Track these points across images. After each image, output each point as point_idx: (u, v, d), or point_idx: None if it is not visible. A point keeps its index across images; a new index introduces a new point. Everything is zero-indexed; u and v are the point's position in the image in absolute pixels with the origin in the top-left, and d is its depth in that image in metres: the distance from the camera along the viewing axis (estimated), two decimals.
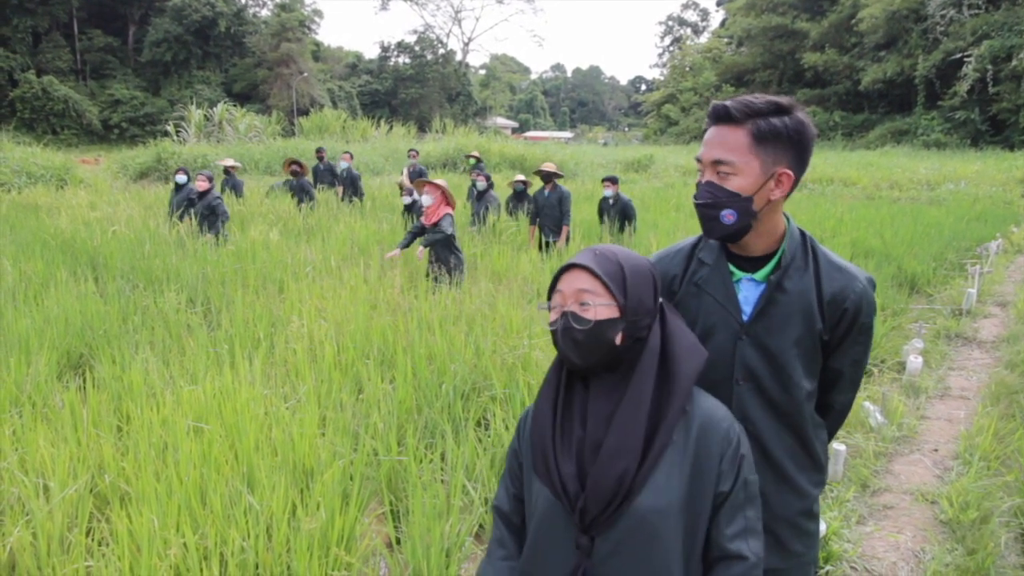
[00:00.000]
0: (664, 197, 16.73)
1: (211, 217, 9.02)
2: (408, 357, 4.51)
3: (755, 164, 1.63)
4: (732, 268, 1.77)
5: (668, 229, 10.90)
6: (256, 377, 4.27)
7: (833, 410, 1.85)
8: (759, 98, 1.64)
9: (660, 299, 1.57)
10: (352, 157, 14.17)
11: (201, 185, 9.09)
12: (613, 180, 9.50)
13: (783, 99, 1.65)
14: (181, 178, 9.79)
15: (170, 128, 33.96)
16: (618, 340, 1.48)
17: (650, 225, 11.22)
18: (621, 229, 9.33)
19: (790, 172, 1.66)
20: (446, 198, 7.16)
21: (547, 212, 9.03)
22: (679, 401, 1.45)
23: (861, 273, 1.74)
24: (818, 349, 1.73)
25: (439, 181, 7.20)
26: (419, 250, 7.13)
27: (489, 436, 3.83)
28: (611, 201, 9.46)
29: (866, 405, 5.05)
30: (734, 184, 1.65)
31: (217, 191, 9.37)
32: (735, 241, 1.74)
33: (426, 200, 7.08)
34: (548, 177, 9.10)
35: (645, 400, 1.45)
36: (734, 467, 1.45)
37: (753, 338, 1.71)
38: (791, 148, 1.64)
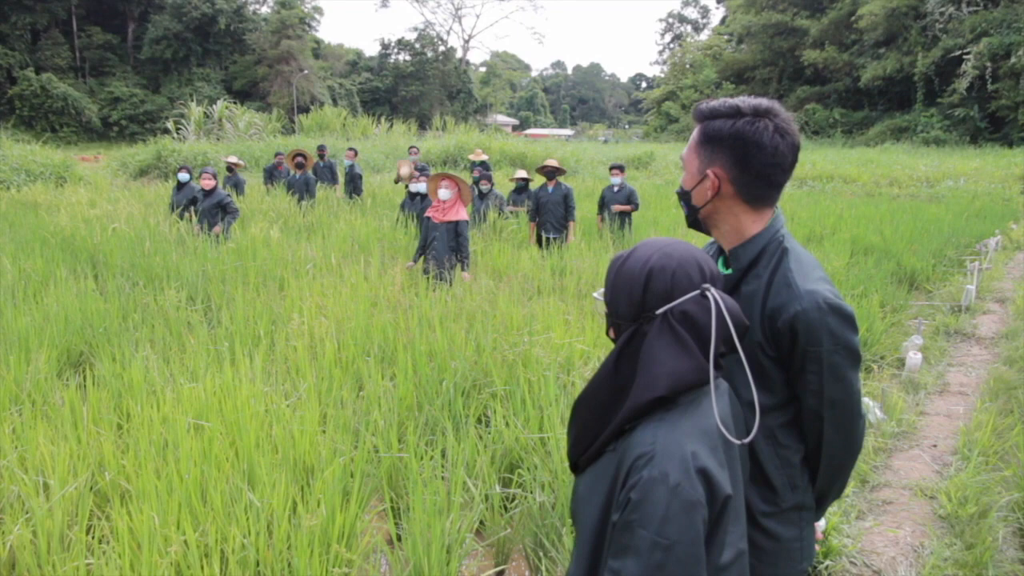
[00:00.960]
0: (665, 194, 16.72)
1: (220, 214, 8.96)
2: (409, 354, 4.51)
3: (695, 162, 1.75)
4: (720, 262, 1.84)
5: (668, 226, 10.90)
6: (257, 374, 4.27)
7: (819, 457, 1.75)
8: (737, 101, 1.69)
9: (661, 310, 1.42)
10: (356, 154, 14.18)
11: (207, 183, 9.03)
12: (620, 168, 9.55)
13: (752, 102, 1.68)
14: (183, 176, 9.77)
15: (170, 125, 34.05)
16: (611, 333, 1.54)
17: (650, 222, 11.23)
18: (624, 223, 9.34)
19: (723, 173, 1.70)
20: (461, 196, 7.08)
21: (549, 209, 9.01)
22: (618, 421, 1.43)
23: (813, 297, 1.63)
24: (765, 363, 1.70)
25: (456, 176, 7.15)
26: (466, 275, 6.94)
27: (490, 433, 3.83)
28: (616, 189, 9.48)
29: (865, 401, 5.05)
30: (683, 179, 1.82)
31: (223, 189, 9.32)
32: (703, 232, 1.85)
33: (444, 194, 6.94)
34: (552, 174, 9.08)
35: (593, 396, 1.50)
36: (620, 506, 1.36)
37: None
38: (727, 150, 1.69)
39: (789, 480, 1.75)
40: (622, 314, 1.48)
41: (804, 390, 1.68)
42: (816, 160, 26.67)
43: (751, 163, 1.68)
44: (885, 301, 7.32)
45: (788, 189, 18.95)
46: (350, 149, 14.28)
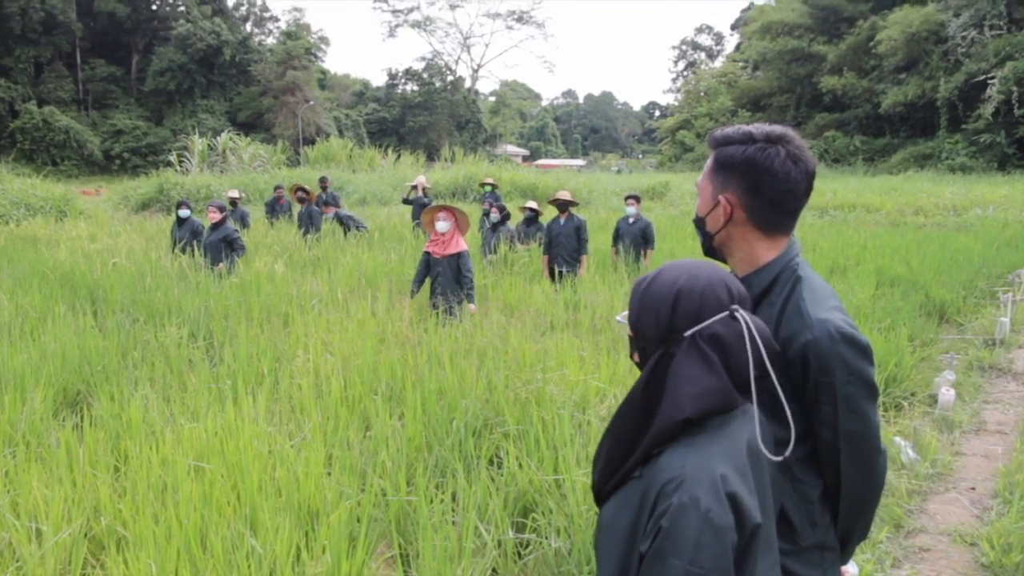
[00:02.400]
0: (681, 225, 16.71)
1: (226, 250, 8.95)
2: (418, 392, 4.48)
3: (709, 188, 1.80)
4: None
5: (685, 258, 10.87)
6: (260, 414, 4.25)
7: (839, 494, 1.74)
8: (750, 128, 1.74)
9: (689, 332, 1.42)
10: (336, 205, 13.22)
11: (213, 216, 9.03)
12: (636, 198, 9.56)
13: (765, 129, 1.73)
14: (184, 212, 9.79)
15: (173, 158, 34.43)
16: (635, 357, 1.56)
17: (666, 254, 11.20)
18: (638, 256, 9.31)
19: (735, 199, 1.74)
20: (459, 226, 7.09)
21: (561, 242, 8.99)
22: (644, 445, 1.43)
23: (825, 326, 1.64)
24: (773, 393, 1.70)
25: (452, 206, 7.17)
26: (472, 307, 6.93)
27: (502, 475, 3.78)
28: (631, 220, 9.46)
29: (897, 440, 4.97)
30: (698, 205, 1.87)
31: (231, 223, 9.33)
32: (719, 260, 1.86)
33: (441, 226, 6.97)
34: (564, 206, 9.09)
35: (620, 423, 1.50)
36: (649, 534, 1.34)
37: None
38: (740, 177, 1.73)
39: (808, 517, 1.73)
40: (649, 337, 1.49)
41: (819, 423, 1.68)
42: (837, 189, 26.64)
43: (763, 189, 1.71)
44: (914, 335, 7.25)
45: (809, 219, 18.93)
46: (328, 207, 13.11)
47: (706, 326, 1.41)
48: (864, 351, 1.65)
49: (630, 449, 1.46)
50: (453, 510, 3.52)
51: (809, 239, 13.66)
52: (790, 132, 1.74)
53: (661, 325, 1.46)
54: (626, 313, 1.59)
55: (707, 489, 1.31)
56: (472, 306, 6.93)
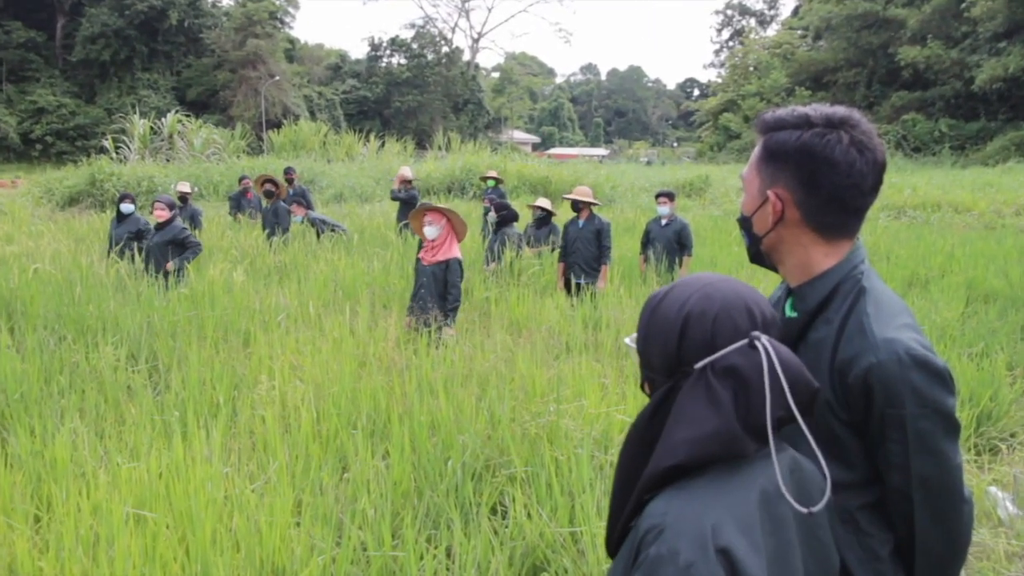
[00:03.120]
0: (724, 228, 16.75)
1: (174, 253, 8.98)
2: (406, 426, 4.50)
3: (756, 182, 1.82)
4: (788, 304, 1.88)
5: (729, 267, 10.90)
6: (214, 452, 4.27)
7: (913, 550, 1.73)
8: (807, 109, 1.75)
9: (700, 364, 1.42)
10: (306, 205, 13.54)
11: (161, 214, 9.04)
12: (670, 196, 9.54)
13: (825, 111, 1.74)
14: (127, 207, 9.85)
15: (108, 143, 34.55)
16: (645, 388, 1.58)
17: (707, 262, 11.24)
18: (672, 263, 9.32)
19: (786, 194, 1.76)
20: (454, 229, 7.13)
21: (579, 248, 8.99)
22: (636, 492, 1.45)
23: (893, 347, 1.63)
24: (837, 429, 1.71)
25: (443, 206, 7.20)
26: (450, 330, 6.98)
27: (507, 526, 3.79)
28: (664, 222, 9.46)
29: (992, 491, 4.96)
30: (743, 202, 1.89)
31: (180, 223, 9.35)
32: (767, 267, 1.91)
33: (430, 232, 7.02)
34: (581, 206, 9.11)
35: (622, 466, 1.54)
36: None
37: None
38: (793, 168, 1.74)
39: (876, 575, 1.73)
40: (655, 367, 1.51)
41: (886, 464, 1.68)
42: (918, 184, 26.64)
43: (820, 183, 1.71)
44: (1014, 362, 7.24)
45: (882, 220, 18.94)
46: (294, 203, 13.25)
47: (719, 357, 1.40)
48: (941, 378, 1.64)
49: (628, 496, 1.49)
50: (448, 568, 3.54)
51: (881, 245, 13.66)
52: (856, 115, 1.74)
53: (668, 354, 1.47)
54: (635, 336, 1.60)
55: (690, 541, 1.30)
56: (450, 330, 6.91)
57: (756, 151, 1.83)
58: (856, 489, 1.73)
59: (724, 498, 1.36)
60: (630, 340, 1.62)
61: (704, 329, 1.42)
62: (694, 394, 1.40)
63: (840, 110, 1.73)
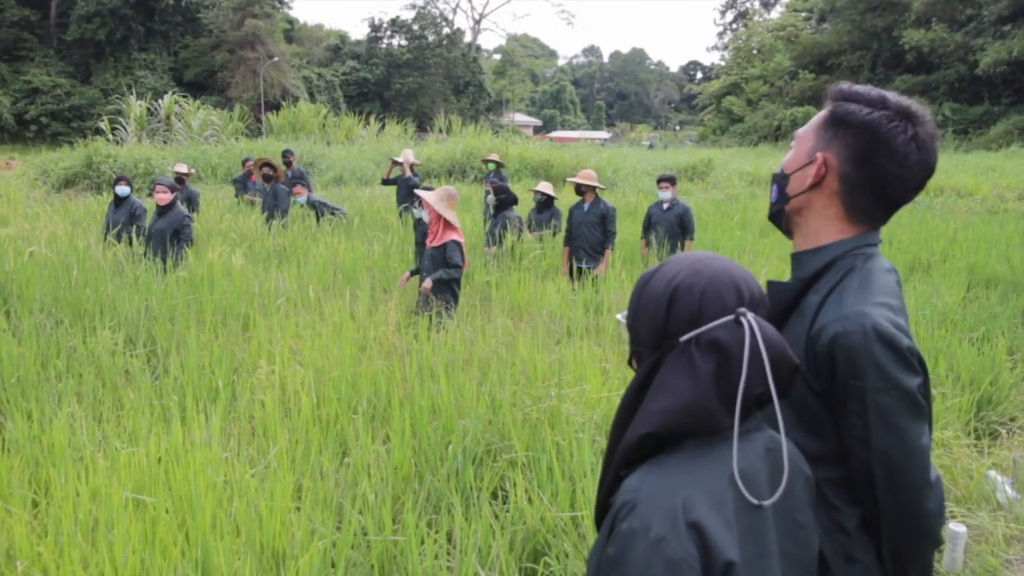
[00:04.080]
0: (727, 212, 16.74)
1: (172, 240, 8.94)
2: (406, 411, 4.51)
3: (810, 141, 1.85)
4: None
5: (731, 251, 10.89)
6: (214, 436, 4.27)
7: (884, 536, 1.74)
8: (886, 93, 1.77)
9: (685, 337, 1.45)
10: (308, 187, 13.55)
11: (163, 197, 8.96)
12: (671, 180, 9.54)
13: (903, 101, 1.77)
14: (123, 189, 9.77)
15: (104, 125, 34.44)
16: (633, 363, 1.61)
17: (709, 246, 11.23)
18: (674, 248, 9.31)
19: (835, 162, 1.79)
20: (449, 204, 7.16)
21: (584, 232, 9.00)
22: (613, 467, 1.50)
23: (860, 320, 1.67)
24: (810, 399, 1.75)
25: (427, 195, 7.20)
26: (404, 277, 7.30)
27: (508, 511, 3.81)
28: (666, 206, 9.46)
29: (992, 475, 4.97)
30: (787, 158, 1.91)
31: (182, 207, 9.28)
32: (784, 231, 1.95)
33: (417, 213, 7.14)
34: (585, 189, 9.09)
35: (612, 438, 1.56)
36: (602, 566, 1.41)
37: None
38: (851, 139, 1.77)
39: (842, 550, 1.76)
40: (643, 340, 1.54)
41: (850, 437, 1.71)
42: None
43: (872, 163, 1.75)
44: (1015, 347, 7.25)
45: None
46: (296, 184, 13.27)
47: (704, 331, 1.43)
48: (904, 357, 1.66)
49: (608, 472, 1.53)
50: (448, 553, 3.55)
51: (883, 230, 13.60)
52: (926, 113, 1.77)
53: (656, 328, 1.50)
54: (627, 312, 1.63)
55: (662, 516, 1.33)
56: (427, 282, 7.03)
57: (822, 114, 1.85)
58: (826, 462, 1.75)
59: (697, 474, 1.39)
60: (621, 316, 1.65)
61: (691, 303, 1.46)
62: (676, 366, 1.44)
63: (917, 106, 1.77)
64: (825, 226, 1.83)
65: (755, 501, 1.39)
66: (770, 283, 1.88)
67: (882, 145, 1.73)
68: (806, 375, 1.73)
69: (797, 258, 1.86)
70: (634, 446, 1.44)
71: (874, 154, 1.74)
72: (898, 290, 1.79)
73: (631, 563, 1.32)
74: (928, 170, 1.76)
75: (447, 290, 7.07)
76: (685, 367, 1.42)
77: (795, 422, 1.76)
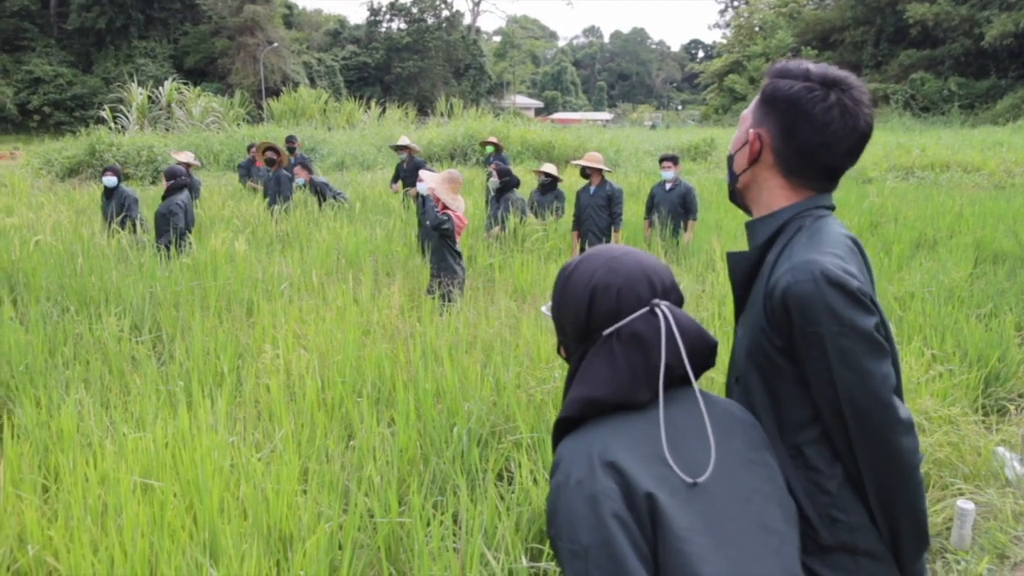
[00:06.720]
0: None
1: (164, 223, 8.93)
2: (410, 394, 4.52)
3: (748, 121, 1.95)
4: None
5: (734, 231, 10.86)
6: (220, 421, 4.29)
7: (867, 486, 1.74)
8: (811, 65, 1.85)
9: (608, 331, 1.57)
10: (309, 170, 13.66)
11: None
12: (674, 159, 9.52)
13: (826, 70, 1.84)
14: (110, 180, 9.73)
15: (105, 113, 34.40)
16: (561, 352, 1.76)
17: (712, 227, 11.20)
18: (677, 228, 9.30)
19: (767, 137, 1.87)
20: (451, 186, 7.18)
21: (590, 215, 8.99)
22: (553, 445, 1.63)
23: (809, 267, 1.70)
24: (776, 358, 1.79)
25: (429, 176, 7.22)
26: (395, 185, 7.34)
27: (513, 492, 3.82)
28: (669, 187, 9.43)
29: (1000, 451, 4.98)
30: (733, 138, 2.01)
31: (184, 196, 9.19)
32: (743, 208, 2.02)
33: (420, 187, 7.29)
34: (591, 171, 9.08)
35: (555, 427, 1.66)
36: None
37: (740, 328, 1.96)
38: (778, 114, 1.85)
39: (824, 511, 1.77)
40: (568, 334, 1.68)
41: (816, 385, 1.74)
42: (926, 144, 26.49)
43: (796, 135, 1.83)
44: (1023, 323, 7.24)
45: (890, 181, 18.84)
46: (298, 166, 13.46)
47: (624, 324, 1.57)
48: (855, 298, 1.68)
49: None
50: (454, 534, 3.56)
51: (889, 206, 13.60)
52: (852, 79, 1.83)
53: (580, 324, 1.63)
54: (550, 304, 1.74)
55: (580, 462, 1.47)
56: (396, 185, 7.31)
57: (759, 93, 1.95)
58: (801, 425, 1.79)
59: (611, 426, 1.53)
60: (546, 309, 1.77)
61: (609, 300, 1.59)
62: (597, 356, 1.58)
63: (840, 72, 1.83)
64: (772, 196, 1.90)
65: (689, 480, 1.47)
66: (728, 255, 1.97)
67: (802, 115, 1.80)
68: (768, 332, 1.78)
69: (750, 227, 1.94)
70: (559, 430, 1.61)
71: (797, 125, 1.81)
72: (850, 245, 1.81)
73: (559, 510, 1.44)
74: (858, 133, 1.81)
75: (449, 269, 7.08)
76: (605, 358, 1.57)
77: (767, 395, 1.83)
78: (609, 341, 1.57)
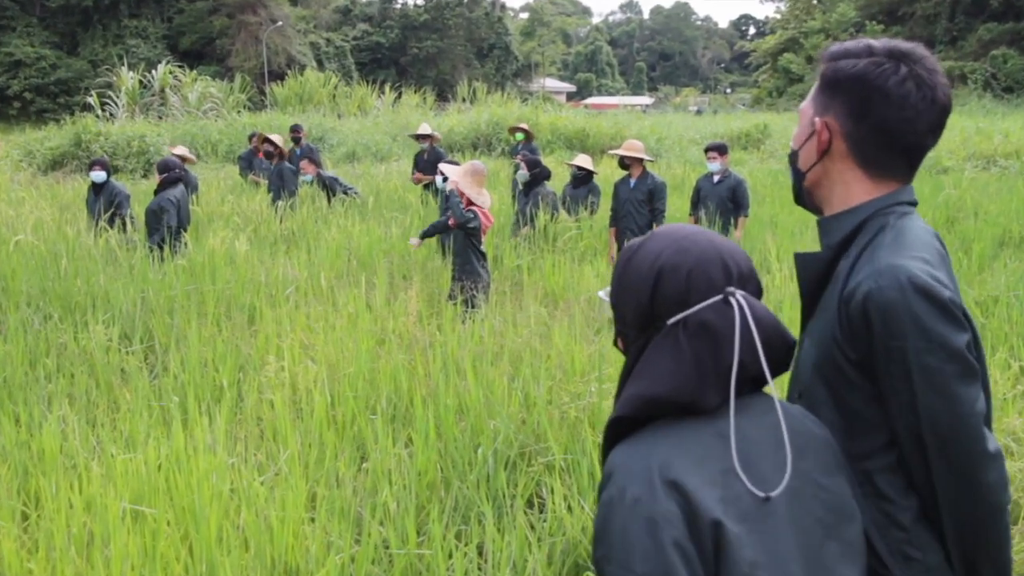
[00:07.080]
0: (785, 184, 16.52)
1: (153, 223, 8.99)
2: (430, 410, 4.51)
3: (809, 112, 1.90)
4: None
5: (792, 228, 10.80)
6: (218, 441, 4.30)
7: (945, 521, 1.70)
8: (873, 40, 1.81)
9: (673, 320, 1.49)
10: (316, 163, 13.62)
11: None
12: (721, 149, 9.41)
13: (891, 43, 1.80)
14: (98, 175, 9.79)
15: (92, 99, 34.65)
16: (618, 343, 1.69)
17: (766, 223, 11.14)
18: (726, 225, 9.25)
19: (835, 124, 1.82)
20: (475, 180, 7.21)
21: (630, 210, 8.92)
22: (603, 449, 1.58)
23: (895, 273, 1.65)
24: (850, 372, 1.75)
25: (451, 170, 7.23)
26: (414, 240, 7.76)
27: (544, 521, 3.80)
28: (716, 179, 9.37)
29: None
30: (794, 134, 1.96)
31: (178, 191, 9.25)
32: (813, 210, 1.97)
33: (446, 186, 7.30)
34: (631, 162, 9.04)
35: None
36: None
37: (806, 337, 1.91)
38: (845, 96, 1.81)
39: (897, 547, 1.73)
40: (628, 321, 1.60)
41: (893, 403, 1.69)
42: (1010, 129, 26.14)
43: (870, 114, 1.77)
44: None
45: (968, 171, 18.62)
46: (304, 160, 13.37)
47: (693, 313, 1.48)
48: (947, 309, 1.64)
49: None
50: (479, 568, 3.55)
51: (967, 199, 13.46)
52: (921, 50, 1.79)
53: (642, 309, 1.55)
54: (609, 289, 1.69)
55: (637, 477, 1.41)
56: (414, 240, 7.63)
57: (816, 82, 1.91)
58: (874, 451, 1.75)
59: (673, 437, 1.47)
60: (603, 293, 1.70)
61: (678, 284, 1.50)
62: (660, 348, 1.50)
63: (906, 44, 1.80)
64: (848, 192, 1.85)
65: (761, 494, 1.42)
66: (797, 256, 1.92)
67: (876, 92, 1.75)
68: (840, 342, 1.74)
69: (823, 224, 1.89)
70: (612, 429, 1.54)
71: (870, 103, 1.76)
72: (939, 249, 1.78)
73: (611, 530, 1.39)
74: (938, 107, 1.76)
75: (473, 272, 7.09)
76: (669, 351, 1.49)
77: (835, 414, 1.77)
78: (674, 331, 1.49)
